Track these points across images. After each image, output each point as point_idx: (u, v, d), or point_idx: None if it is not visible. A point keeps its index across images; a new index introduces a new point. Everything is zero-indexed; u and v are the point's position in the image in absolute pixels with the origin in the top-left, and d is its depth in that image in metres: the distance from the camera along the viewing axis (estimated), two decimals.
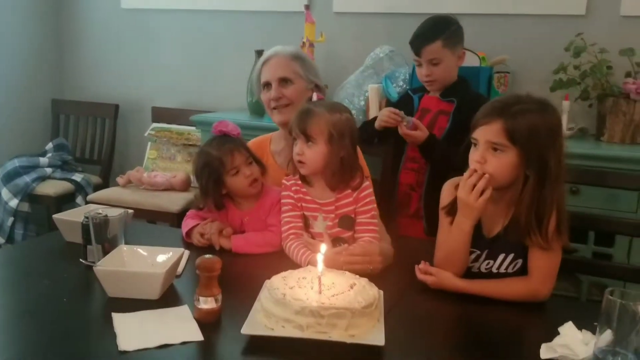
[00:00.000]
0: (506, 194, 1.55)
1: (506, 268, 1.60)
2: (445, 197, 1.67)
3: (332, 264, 1.49)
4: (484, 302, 1.49)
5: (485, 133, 1.51)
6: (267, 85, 2.09)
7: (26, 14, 3.95)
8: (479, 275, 1.61)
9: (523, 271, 1.58)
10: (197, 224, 1.87)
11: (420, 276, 1.58)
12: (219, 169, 1.80)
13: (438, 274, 1.56)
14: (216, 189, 1.82)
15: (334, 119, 1.70)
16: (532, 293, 1.51)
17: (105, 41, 4.05)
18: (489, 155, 1.50)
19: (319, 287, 1.29)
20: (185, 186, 3.39)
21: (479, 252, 1.61)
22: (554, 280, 1.54)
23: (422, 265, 1.59)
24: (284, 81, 2.06)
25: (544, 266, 1.53)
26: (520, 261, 1.58)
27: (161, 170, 3.58)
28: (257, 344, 1.22)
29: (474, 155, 1.54)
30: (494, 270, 1.61)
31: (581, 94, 2.71)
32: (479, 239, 1.59)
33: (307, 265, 1.58)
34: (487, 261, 1.62)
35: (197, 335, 1.24)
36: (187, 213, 1.96)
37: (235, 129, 1.87)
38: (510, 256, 1.59)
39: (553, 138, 1.50)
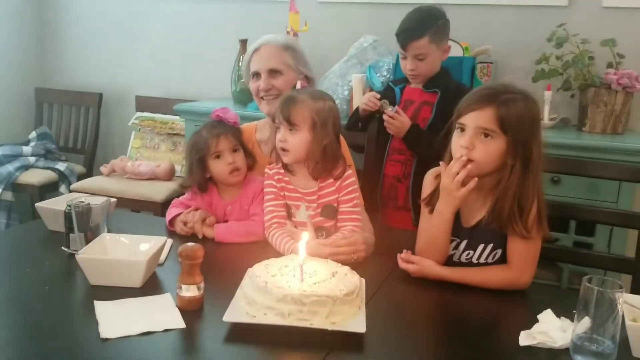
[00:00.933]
0: (485, 182, 1.57)
1: (486, 258, 1.61)
2: (426, 187, 1.68)
3: (317, 254, 1.51)
4: (464, 290, 1.50)
5: (476, 118, 1.51)
6: (257, 74, 2.08)
7: (8, 1, 3.90)
8: (460, 265, 1.63)
9: (503, 261, 1.59)
10: (181, 213, 1.87)
11: (402, 264, 1.59)
12: (203, 150, 1.83)
13: (420, 262, 1.57)
14: (200, 169, 1.84)
15: (317, 106, 1.70)
16: (512, 281, 1.53)
17: (88, 29, 4.01)
18: (478, 141, 1.51)
19: (301, 275, 1.30)
20: (169, 175, 3.38)
21: (458, 240, 1.63)
22: (534, 268, 1.56)
23: (404, 253, 1.60)
24: (273, 72, 2.05)
25: (523, 254, 1.54)
26: (499, 251, 1.60)
27: (145, 159, 3.57)
28: (239, 331, 1.22)
29: (461, 140, 1.53)
30: (474, 260, 1.63)
31: (563, 84, 2.73)
32: (458, 227, 1.61)
33: (289, 253, 1.58)
34: (467, 251, 1.63)
35: (179, 323, 1.25)
36: (172, 202, 1.96)
37: (234, 117, 1.88)
38: (490, 246, 1.60)
39: (536, 127, 1.53)
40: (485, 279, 1.53)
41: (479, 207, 1.60)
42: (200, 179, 1.86)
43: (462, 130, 1.54)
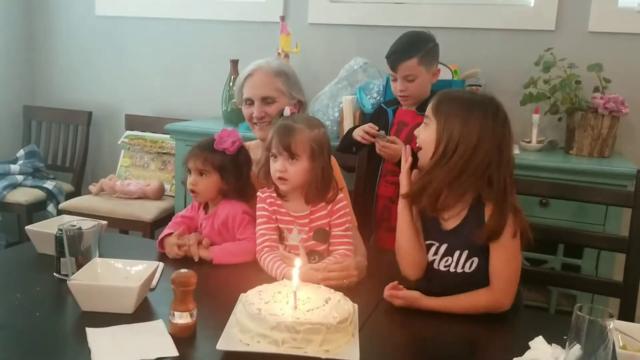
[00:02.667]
0: (465, 192, 1.58)
1: (463, 267, 1.62)
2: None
3: (310, 279, 1.51)
4: (456, 317, 1.51)
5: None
6: (250, 100, 2.08)
7: None
8: (439, 274, 1.64)
9: (479, 269, 1.60)
10: (170, 234, 1.86)
11: (388, 298, 1.57)
12: (185, 160, 1.91)
13: (405, 297, 1.55)
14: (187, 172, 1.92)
15: (314, 134, 1.72)
16: (496, 306, 1.54)
17: (79, 48, 4.01)
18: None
19: (295, 302, 1.30)
20: (158, 195, 3.37)
21: (437, 243, 1.64)
22: (515, 287, 1.57)
23: (392, 286, 1.59)
24: (266, 100, 2.05)
25: (505, 275, 1.56)
26: (475, 259, 1.61)
27: (134, 178, 3.56)
28: (232, 359, 1.22)
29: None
30: (452, 269, 1.63)
31: (551, 108, 2.76)
32: (436, 231, 1.64)
33: (282, 278, 1.59)
34: (445, 258, 1.64)
35: (172, 351, 1.24)
36: (171, 222, 1.98)
37: (228, 144, 1.87)
38: (465, 253, 1.61)
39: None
40: (470, 306, 1.54)
41: (457, 212, 1.61)
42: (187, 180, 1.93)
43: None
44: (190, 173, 1.89)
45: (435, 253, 1.65)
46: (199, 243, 1.83)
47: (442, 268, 1.65)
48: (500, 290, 1.55)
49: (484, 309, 1.53)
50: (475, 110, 1.57)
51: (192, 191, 1.89)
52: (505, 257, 1.55)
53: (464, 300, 1.56)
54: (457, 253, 1.62)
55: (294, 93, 2.10)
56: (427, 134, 1.61)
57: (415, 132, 1.67)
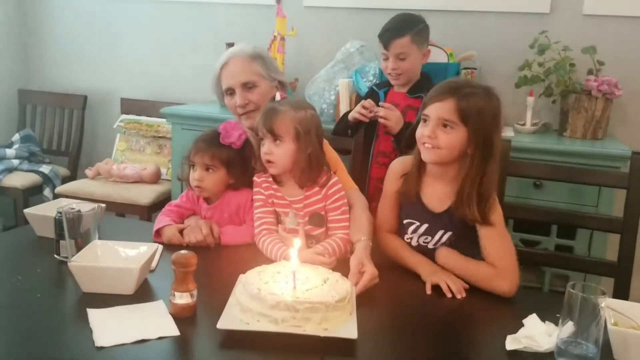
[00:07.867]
0: (449, 171, 1.64)
1: (436, 243, 1.68)
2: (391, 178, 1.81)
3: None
4: (451, 297, 1.54)
5: (438, 109, 1.58)
6: (231, 90, 2.02)
7: None
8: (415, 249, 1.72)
9: (451, 244, 1.67)
10: (167, 225, 1.84)
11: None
12: (188, 154, 1.89)
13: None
14: (187, 169, 1.90)
15: (299, 116, 1.71)
16: (505, 286, 1.55)
17: (73, 31, 4.00)
18: (439, 131, 1.58)
19: (294, 282, 1.32)
20: (155, 178, 3.38)
21: (418, 223, 1.69)
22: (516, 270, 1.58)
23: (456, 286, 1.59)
24: (247, 85, 2.00)
25: (505, 255, 1.59)
26: (453, 237, 1.67)
27: (130, 162, 3.56)
28: (232, 338, 1.24)
29: (424, 131, 1.60)
30: (430, 246, 1.69)
31: (545, 90, 2.78)
32: (421, 211, 1.67)
33: (281, 259, 1.60)
34: (425, 236, 1.69)
35: (173, 330, 1.26)
36: (164, 209, 1.95)
37: (235, 137, 1.86)
38: (448, 234, 1.66)
39: (497, 121, 1.60)
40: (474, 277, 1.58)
41: (444, 196, 1.65)
42: (187, 173, 1.91)
43: (426, 121, 1.62)
44: (193, 167, 1.86)
45: (414, 231, 1.70)
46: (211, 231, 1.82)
47: (421, 243, 1.71)
48: (505, 276, 1.56)
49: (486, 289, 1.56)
50: (492, 96, 1.60)
51: (198, 187, 1.86)
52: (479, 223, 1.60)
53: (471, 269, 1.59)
54: (439, 233, 1.67)
55: (273, 74, 2.05)
56: (454, 139, 1.57)
57: (426, 132, 1.59)
